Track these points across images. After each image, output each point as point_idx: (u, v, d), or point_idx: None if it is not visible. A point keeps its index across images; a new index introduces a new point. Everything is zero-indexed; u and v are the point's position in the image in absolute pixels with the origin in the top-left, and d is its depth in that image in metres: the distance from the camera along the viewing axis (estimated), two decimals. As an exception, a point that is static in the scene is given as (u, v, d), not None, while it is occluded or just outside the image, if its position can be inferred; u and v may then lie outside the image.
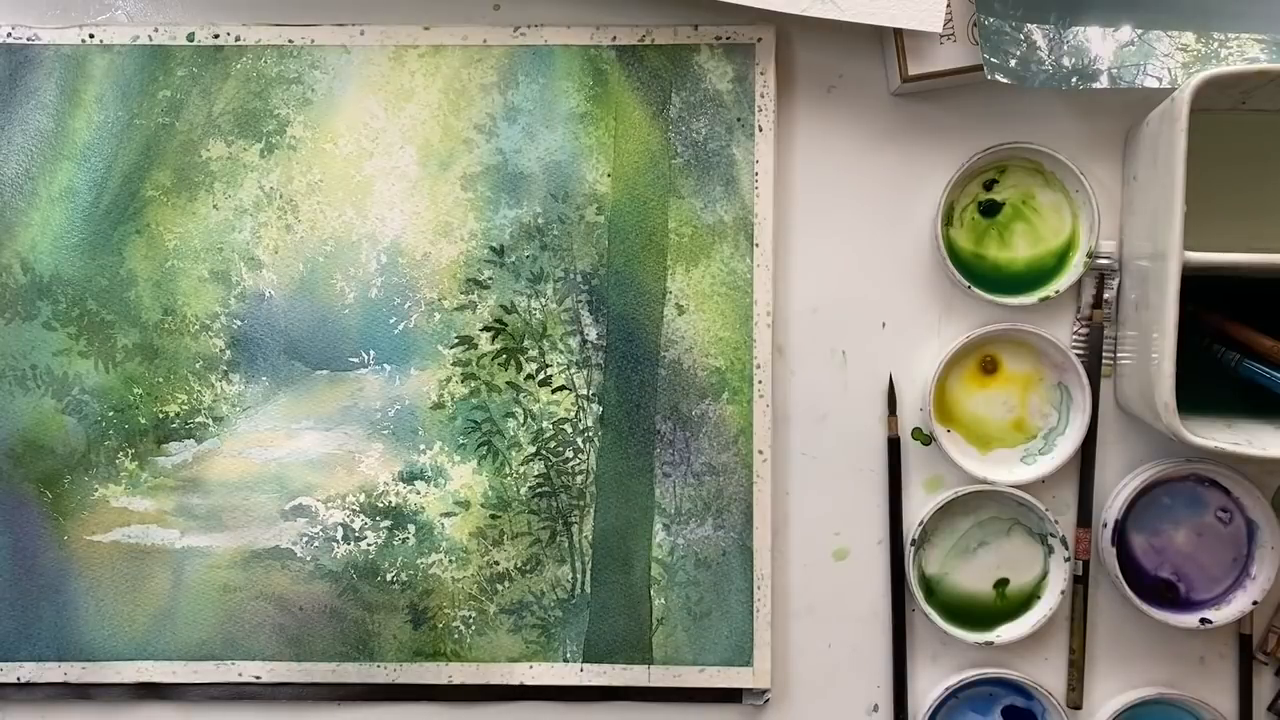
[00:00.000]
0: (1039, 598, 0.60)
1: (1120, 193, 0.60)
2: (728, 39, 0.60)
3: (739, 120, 0.60)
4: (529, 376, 0.60)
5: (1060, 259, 0.60)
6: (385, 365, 0.60)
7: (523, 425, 0.60)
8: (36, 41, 0.60)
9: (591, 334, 0.60)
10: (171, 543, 0.61)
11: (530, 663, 0.60)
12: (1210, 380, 0.57)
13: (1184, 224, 0.51)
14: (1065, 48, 0.57)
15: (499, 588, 0.60)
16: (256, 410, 0.61)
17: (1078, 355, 0.59)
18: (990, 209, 0.60)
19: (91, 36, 0.60)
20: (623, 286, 0.60)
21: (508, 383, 0.60)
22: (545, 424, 0.60)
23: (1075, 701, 0.60)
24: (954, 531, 0.61)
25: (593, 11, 0.60)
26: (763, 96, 0.60)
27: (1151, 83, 0.56)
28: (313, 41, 0.60)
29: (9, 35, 0.60)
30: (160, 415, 0.60)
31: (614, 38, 0.60)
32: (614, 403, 0.60)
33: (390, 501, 0.60)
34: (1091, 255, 0.59)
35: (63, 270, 0.60)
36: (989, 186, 0.60)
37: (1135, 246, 0.58)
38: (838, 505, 0.61)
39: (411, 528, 0.60)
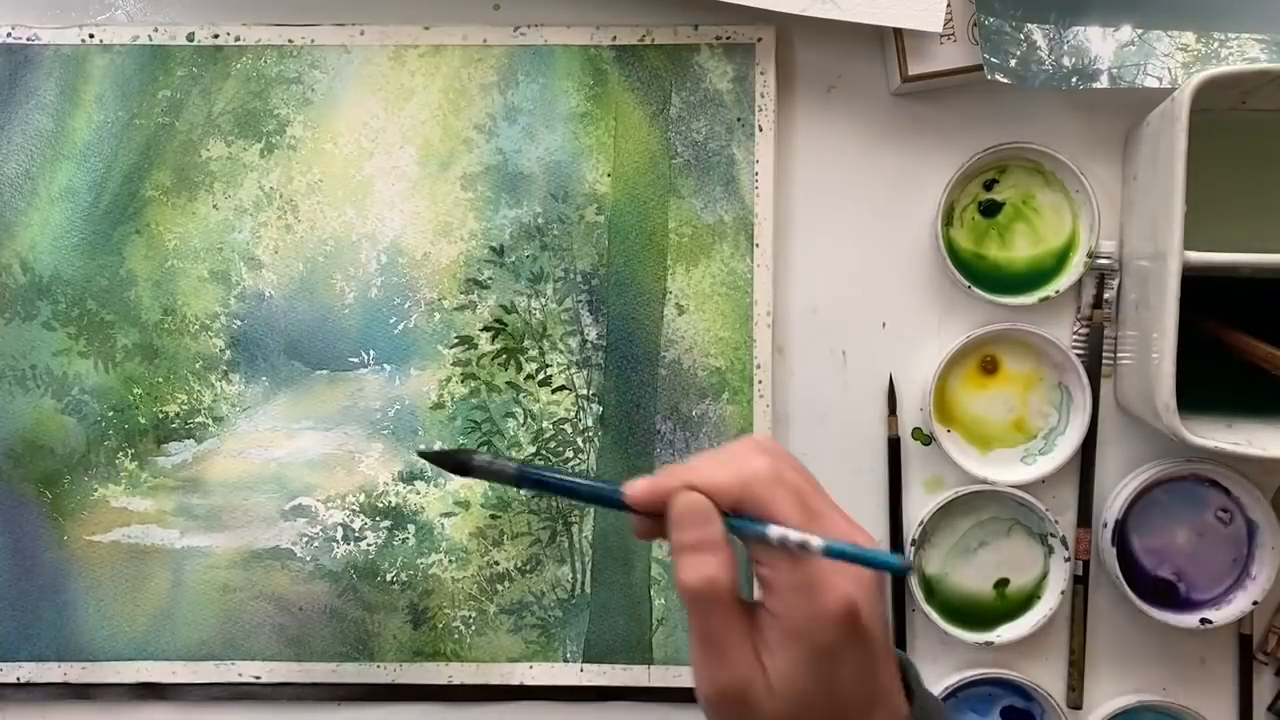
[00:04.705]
0: (1039, 598, 0.60)
1: (1120, 193, 0.60)
2: (728, 39, 0.60)
3: (739, 120, 0.60)
4: (529, 376, 0.60)
5: (1060, 259, 0.60)
6: (385, 365, 0.60)
7: (523, 425, 0.60)
8: (36, 41, 0.60)
9: (591, 334, 0.60)
10: (171, 543, 0.61)
11: (530, 663, 0.60)
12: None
13: (1184, 224, 0.52)
14: (1065, 48, 0.57)
15: (499, 588, 0.60)
16: (256, 410, 0.61)
17: (1078, 355, 0.59)
18: (990, 209, 0.60)
19: (91, 36, 0.60)
20: (623, 286, 0.60)
21: (508, 383, 0.60)
22: (545, 424, 0.60)
23: (1075, 702, 0.60)
24: (954, 531, 0.61)
25: (593, 11, 0.60)
26: (763, 96, 0.59)
27: (1151, 83, 0.56)
28: (313, 41, 0.60)
29: (9, 35, 0.60)
30: (160, 415, 0.60)
31: (614, 38, 0.60)
32: (614, 403, 0.60)
33: (390, 501, 0.60)
34: (1091, 255, 0.59)
35: (63, 270, 0.60)
36: (989, 186, 0.60)
37: (1135, 246, 0.58)
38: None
39: (411, 528, 0.60)
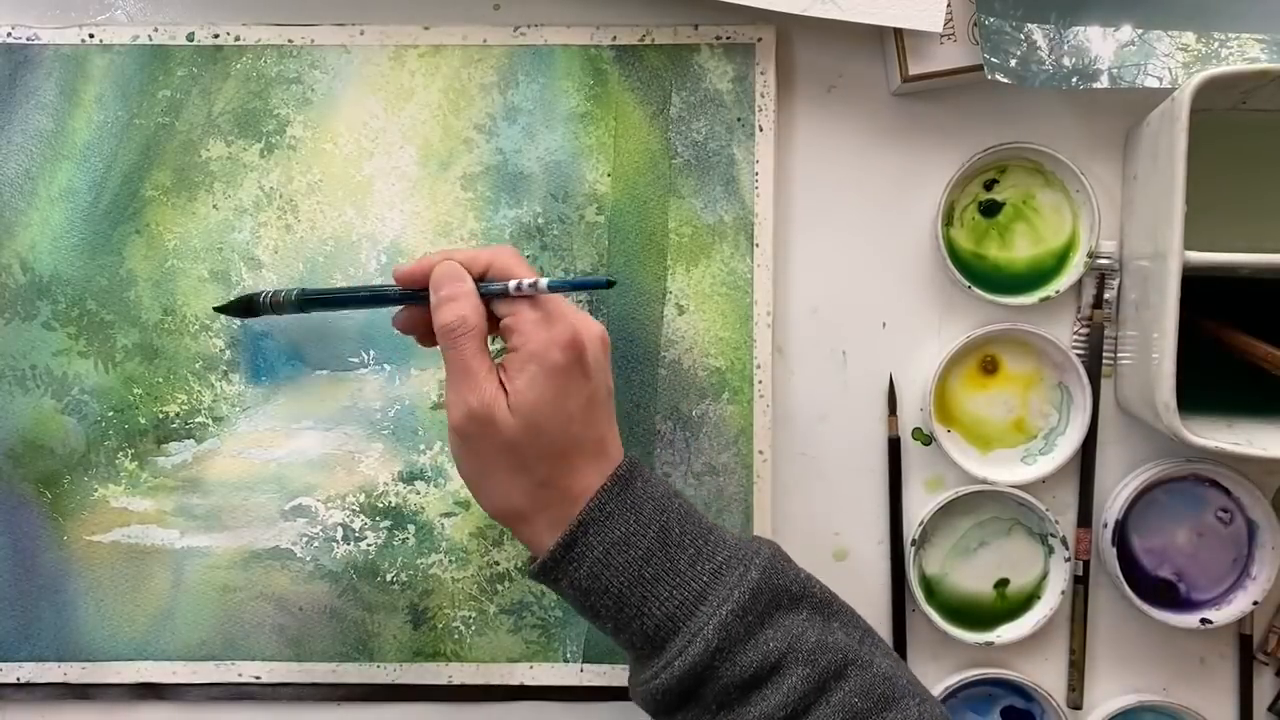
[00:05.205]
0: (1039, 598, 0.60)
1: (1120, 193, 0.60)
2: (728, 39, 0.60)
3: (739, 120, 0.60)
4: (529, 376, 0.60)
5: (1060, 259, 0.60)
6: (385, 365, 0.60)
7: (523, 425, 0.60)
8: (36, 41, 0.60)
9: (591, 334, 0.60)
10: (171, 543, 0.61)
11: (530, 663, 0.60)
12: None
13: (1184, 224, 0.52)
14: (1065, 47, 0.57)
15: (499, 588, 0.60)
16: (256, 410, 0.61)
17: (1078, 355, 0.59)
18: (990, 209, 0.60)
19: (91, 36, 0.60)
20: (623, 286, 0.60)
21: (508, 383, 0.60)
22: (545, 424, 0.60)
23: (1075, 702, 0.60)
24: (954, 531, 0.61)
25: (593, 11, 0.60)
26: (763, 96, 0.59)
27: (1151, 83, 0.56)
28: (313, 41, 0.60)
29: (9, 35, 0.60)
30: (160, 415, 0.60)
31: (614, 38, 0.60)
32: (614, 403, 0.60)
33: (390, 502, 0.60)
34: (1092, 255, 0.59)
35: (62, 270, 0.60)
36: (989, 186, 0.60)
37: (1135, 246, 0.58)
38: (838, 505, 0.61)
39: (411, 528, 0.60)
